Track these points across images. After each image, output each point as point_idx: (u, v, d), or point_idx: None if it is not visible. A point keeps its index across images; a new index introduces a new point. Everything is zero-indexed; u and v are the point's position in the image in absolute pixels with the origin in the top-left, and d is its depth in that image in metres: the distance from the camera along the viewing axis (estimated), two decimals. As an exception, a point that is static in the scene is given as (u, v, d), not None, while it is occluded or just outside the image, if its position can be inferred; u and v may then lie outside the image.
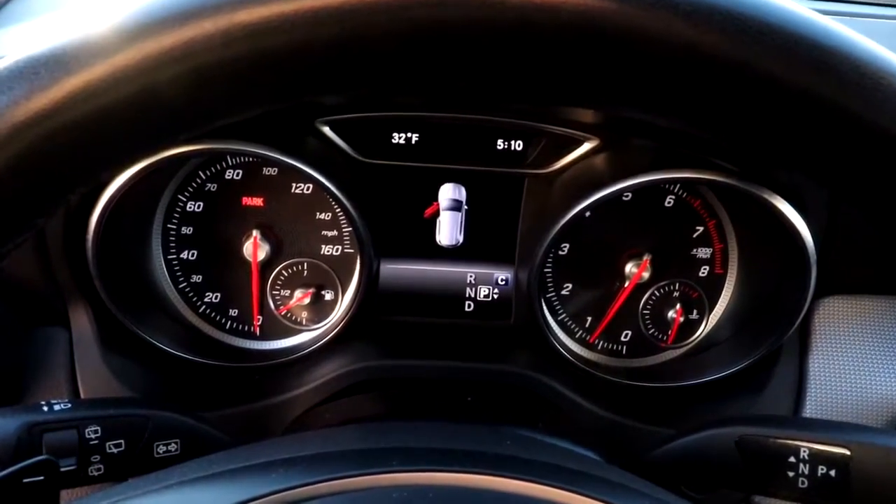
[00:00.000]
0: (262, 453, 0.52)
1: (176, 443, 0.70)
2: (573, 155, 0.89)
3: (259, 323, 0.94)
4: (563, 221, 0.85)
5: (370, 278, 0.89)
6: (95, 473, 0.65)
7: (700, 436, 0.70)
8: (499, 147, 0.90)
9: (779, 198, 0.81)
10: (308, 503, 0.47)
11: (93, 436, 0.65)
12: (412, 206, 0.92)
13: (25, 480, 0.57)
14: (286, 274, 0.92)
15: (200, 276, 0.92)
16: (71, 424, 0.65)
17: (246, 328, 0.94)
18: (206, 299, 0.93)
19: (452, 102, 0.88)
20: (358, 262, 0.90)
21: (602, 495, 0.49)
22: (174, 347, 0.88)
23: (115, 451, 0.66)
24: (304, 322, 0.93)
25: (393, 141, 0.88)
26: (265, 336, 0.94)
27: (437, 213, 0.92)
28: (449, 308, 0.95)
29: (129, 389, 0.83)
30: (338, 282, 0.92)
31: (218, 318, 0.94)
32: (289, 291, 0.92)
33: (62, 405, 0.66)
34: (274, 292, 0.92)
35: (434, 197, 0.92)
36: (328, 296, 0.93)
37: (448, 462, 0.51)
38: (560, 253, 0.93)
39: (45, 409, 0.65)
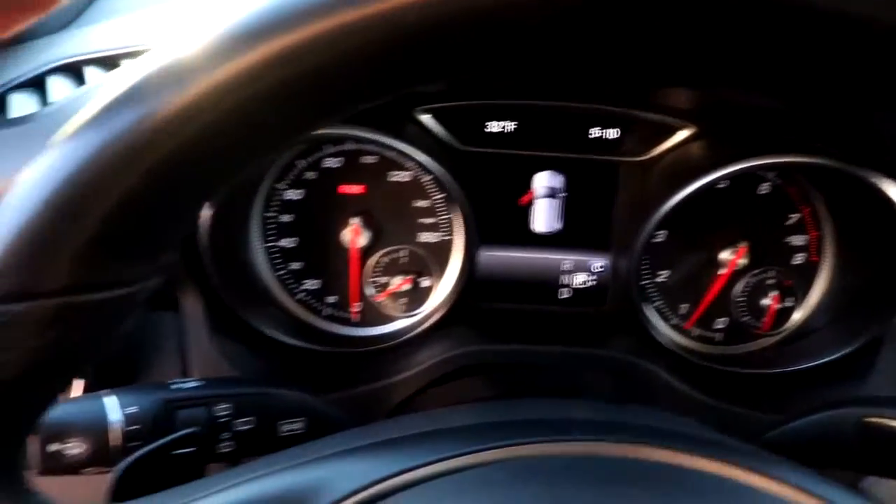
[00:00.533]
0: (414, 426, 0.53)
1: (302, 421, 0.71)
2: (669, 142, 0.90)
3: (357, 310, 0.95)
4: (663, 209, 0.86)
5: (471, 265, 0.90)
6: (226, 450, 0.67)
7: (818, 417, 0.70)
8: (594, 135, 0.90)
9: (888, 180, 0.80)
10: (473, 470, 0.48)
11: (222, 413, 0.67)
12: (508, 194, 0.93)
13: (174, 452, 0.59)
14: (384, 261, 0.93)
15: (299, 264, 0.93)
16: (203, 402, 0.66)
17: (343, 315, 0.95)
18: (304, 286, 0.94)
19: (548, 89, 0.89)
20: (458, 248, 0.91)
21: (753, 463, 0.50)
22: (277, 332, 0.90)
23: (243, 428, 0.68)
24: (401, 309, 0.94)
25: (488, 129, 0.89)
26: (363, 323, 0.95)
27: (532, 201, 0.93)
28: (544, 295, 0.95)
29: (237, 372, 0.85)
30: (435, 269, 0.93)
31: (315, 304, 0.95)
32: (387, 279, 0.93)
33: (194, 383, 0.67)
34: (372, 279, 0.93)
35: (529, 184, 0.92)
36: (425, 283, 0.94)
37: (602, 432, 0.51)
38: (656, 240, 0.93)
39: (179, 386, 0.66)
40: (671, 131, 0.89)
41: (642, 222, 0.89)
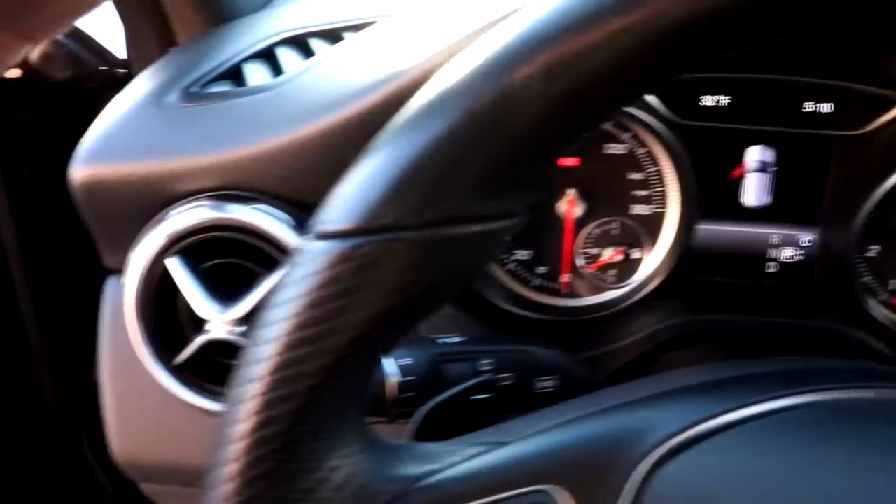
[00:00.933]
0: (724, 371, 0.55)
1: (555, 379, 0.73)
2: (887, 116, 0.89)
3: (566, 280, 0.96)
4: (884, 187, 0.86)
5: (686, 238, 0.92)
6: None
7: None
8: (808, 109, 0.90)
9: None
10: (790, 412, 0.50)
11: (486, 368, 0.69)
12: (720, 167, 0.93)
13: (473, 398, 0.62)
14: (596, 233, 0.94)
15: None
16: (468, 357, 0.69)
17: (552, 286, 0.97)
18: (514, 256, 0.96)
19: (762, 62, 0.89)
20: (671, 221, 0.92)
21: None
22: (499, 300, 0.92)
23: (504, 384, 0.70)
24: (610, 281, 0.96)
25: (702, 103, 0.90)
26: (572, 294, 0.97)
27: (743, 175, 0.93)
28: (751, 268, 0.96)
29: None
30: (646, 241, 0.94)
31: (525, 275, 0.97)
32: (598, 250, 0.95)
33: (458, 339, 0.70)
34: (583, 251, 0.95)
35: (740, 158, 0.93)
36: (635, 255, 0.95)
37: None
38: (869, 215, 0.93)
39: (445, 341, 0.69)
40: (890, 105, 0.89)
41: (857, 198, 0.89)
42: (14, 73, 1.23)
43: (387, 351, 0.47)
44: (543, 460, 0.50)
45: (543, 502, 0.49)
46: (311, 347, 0.44)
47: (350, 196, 0.44)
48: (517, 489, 0.49)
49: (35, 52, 1.22)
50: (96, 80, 1.26)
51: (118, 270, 0.85)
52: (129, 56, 1.20)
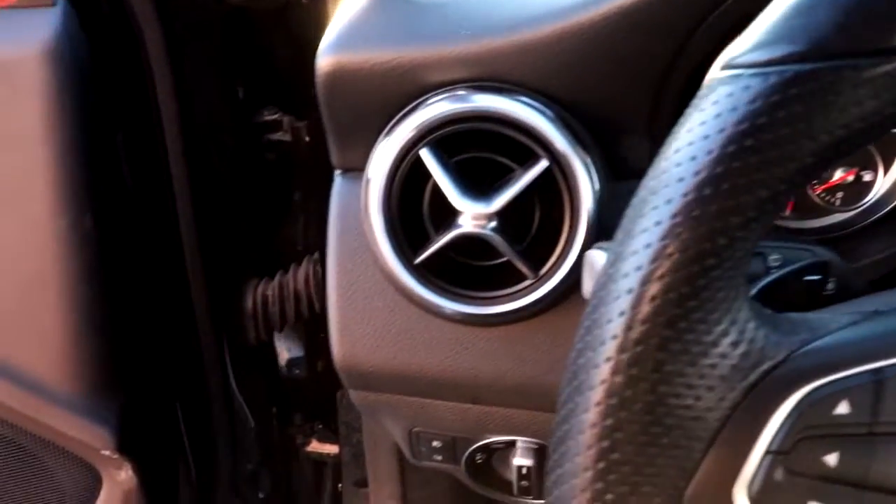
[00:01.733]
0: None
1: (833, 282, 0.70)
2: None
3: (790, 200, 0.93)
4: None
5: None
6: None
7: None
8: None
9: None
10: None
11: (774, 264, 0.67)
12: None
13: (805, 279, 0.59)
14: (827, 152, 0.91)
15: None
16: (759, 251, 0.66)
17: (774, 207, 0.94)
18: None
19: None
20: (910, 141, 0.89)
21: None
22: None
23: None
24: (837, 202, 0.92)
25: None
26: (795, 216, 0.94)
27: None
28: None
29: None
30: (880, 163, 0.90)
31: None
32: (828, 171, 0.91)
33: None
34: (812, 170, 0.91)
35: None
36: (867, 177, 0.91)
37: None
38: None
39: None
40: None
41: None
42: (192, -9, 1.22)
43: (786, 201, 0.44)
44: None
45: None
46: (744, 179, 0.42)
47: (794, 21, 0.41)
48: (906, 356, 0.46)
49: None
50: (271, 3, 1.25)
51: (351, 169, 0.83)
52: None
